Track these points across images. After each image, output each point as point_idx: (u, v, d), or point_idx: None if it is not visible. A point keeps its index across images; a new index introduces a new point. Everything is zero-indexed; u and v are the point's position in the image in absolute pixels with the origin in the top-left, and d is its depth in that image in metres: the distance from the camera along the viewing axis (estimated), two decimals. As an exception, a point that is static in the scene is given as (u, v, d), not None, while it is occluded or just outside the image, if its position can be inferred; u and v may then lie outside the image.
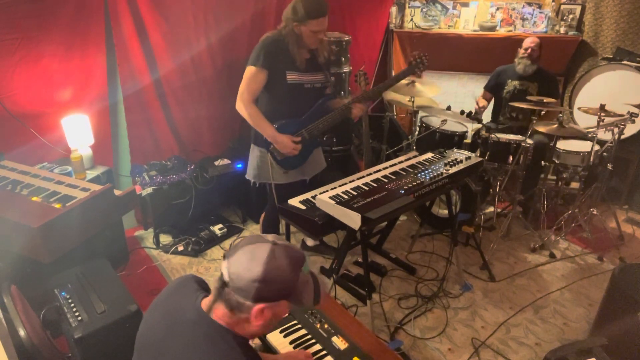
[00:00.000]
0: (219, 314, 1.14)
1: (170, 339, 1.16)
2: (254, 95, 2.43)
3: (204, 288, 1.29)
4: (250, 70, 2.40)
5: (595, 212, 3.42)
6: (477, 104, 3.89)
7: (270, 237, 1.17)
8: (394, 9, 4.49)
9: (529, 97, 3.32)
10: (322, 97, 2.59)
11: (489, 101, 3.91)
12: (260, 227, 2.99)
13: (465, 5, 4.46)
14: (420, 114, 3.98)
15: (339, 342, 1.57)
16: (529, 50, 3.53)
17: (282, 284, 1.12)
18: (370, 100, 2.77)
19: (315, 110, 2.55)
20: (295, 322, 1.69)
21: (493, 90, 3.84)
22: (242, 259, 1.10)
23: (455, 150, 2.83)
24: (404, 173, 2.47)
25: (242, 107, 2.44)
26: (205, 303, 1.17)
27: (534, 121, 3.17)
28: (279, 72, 2.41)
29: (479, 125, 3.42)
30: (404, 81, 3.47)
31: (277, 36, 2.40)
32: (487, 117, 3.95)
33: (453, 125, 3.50)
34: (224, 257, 1.15)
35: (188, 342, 1.12)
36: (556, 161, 3.46)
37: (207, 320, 1.14)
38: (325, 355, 1.55)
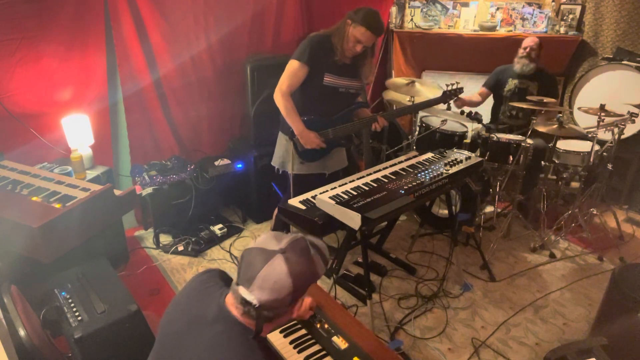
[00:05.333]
0: (239, 315, 1.17)
1: (191, 333, 1.18)
2: (292, 88, 2.50)
3: (228, 283, 1.32)
4: (293, 64, 2.46)
5: (595, 212, 3.42)
6: (468, 96, 3.84)
7: (270, 244, 1.16)
8: (394, 9, 4.48)
9: (529, 97, 3.32)
10: (354, 103, 2.66)
11: (484, 98, 3.90)
12: (273, 219, 3.00)
13: (465, 5, 4.46)
14: (420, 114, 3.98)
15: (339, 342, 1.57)
16: (528, 50, 3.53)
17: (308, 276, 1.18)
18: (396, 117, 2.83)
19: (345, 113, 2.62)
20: (295, 322, 1.69)
21: (493, 88, 3.84)
22: (267, 284, 1.11)
23: (455, 150, 2.83)
24: (404, 173, 2.47)
25: (280, 97, 2.49)
26: (228, 303, 1.19)
27: (534, 121, 3.17)
28: (318, 72, 2.47)
29: (479, 125, 3.42)
30: (403, 81, 3.48)
31: (324, 36, 2.47)
32: (487, 117, 3.95)
33: (453, 125, 3.50)
34: (237, 283, 1.15)
35: (210, 338, 1.15)
36: (556, 161, 3.45)
37: (230, 319, 1.17)
38: (325, 355, 1.55)
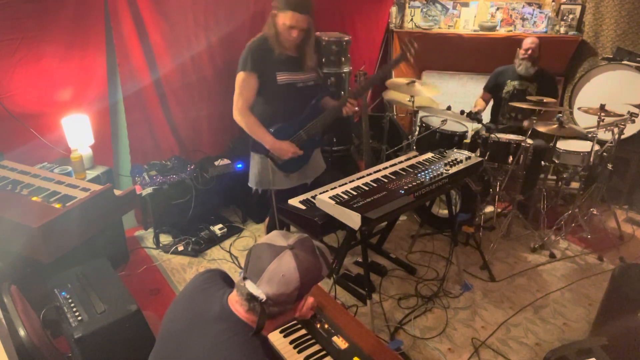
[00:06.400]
0: (243, 312, 1.17)
1: (193, 332, 1.18)
2: (248, 102, 2.40)
3: (229, 283, 1.33)
4: (240, 76, 2.37)
5: (595, 212, 3.42)
6: (475, 106, 3.89)
7: (279, 241, 1.18)
8: (394, 9, 4.49)
9: (528, 97, 3.32)
10: (316, 96, 2.56)
11: (487, 102, 3.91)
12: (265, 231, 2.98)
13: (465, 5, 4.47)
14: (420, 114, 3.98)
15: (339, 342, 1.57)
16: (530, 52, 3.53)
17: (314, 274, 1.19)
18: (363, 94, 2.69)
19: (310, 109, 2.52)
20: (295, 322, 1.69)
21: (492, 90, 3.85)
22: (275, 278, 1.12)
23: (455, 150, 2.82)
24: (404, 173, 2.47)
25: (239, 116, 2.40)
26: (231, 301, 1.19)
27: (534, 121, 3.17)
28: (269, 74, 2.37)
29: (479, 125, 3.42)
30: (403, 80, 3.48)
31: (262, 38, 2.38)
32: (487, 117, 3.95)
33: (453, 125, 3.50)
34: (245, 278, 1.16)
35: (212, 337, 1.15)
36: (556, 161, 3.46)
37: (232, 318, 1.17)
38: (325, 355, 1.55)
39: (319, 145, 2.75)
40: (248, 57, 2.34)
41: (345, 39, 3.63)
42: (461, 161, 2.57)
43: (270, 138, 2.41)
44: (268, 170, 2.53)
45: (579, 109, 3.36)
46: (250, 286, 1.13)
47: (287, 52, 2.38)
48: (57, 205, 2.04)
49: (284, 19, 2.25)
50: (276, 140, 2.41)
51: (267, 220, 2.93)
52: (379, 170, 2.53)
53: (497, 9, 4.40)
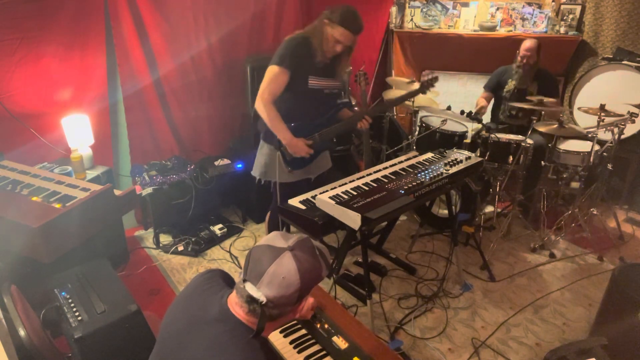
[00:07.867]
0: (243, 314, 1.17)
1: (193, 333, 1.18)
2: (274, 95, 2.39)
3: (229, 284, 1.32)
4: (273, 70, 2.36)
5: (595, 212, 3.42)
6: (477, 105, 3.88)
7: (278, 242, 1.18)
8: (394, 9, 4.49)
9: (528, 97, 3.32)
10: (337, 104, 2.61)
11: (488, 101, 3.91)
12: (266, 225, 2.99)
13: (465, 5, 4.46)
14: (420, 113, 3.98)
15: (339, 342, 1.57)
16: (525, 60, 3.50)
17: (314, 275, 1.18)
18: (379, 113, 2.78)
19: (329, 116, 2.56)
20: (295, 322, 1.69)
21: (493, 89, 3.84)
22: (275, 280, 1.12)
23: (455, 150, 2.82)
24: (404, 173, 2.47)
25: (262, 106, 2.40)
26: (231, 303, 1.19)
27: (534, 121, 3.17)
28: (302, 75, 2.39)
29: (479, 125, 3.42)
30: (403, 80, 3.48)
31: (303, 37, 2.38)
32: (487, 116, 3.95)
33: (453, 125, 3.50)
34: (244, 280, 1.15)
35: (211, 338, 1.14)
36: (556, 161, 3.46)
37: (232, 319, 1.17)
38: (325, 355, 1.55)
39: (328, 148, 2.77)
40: (287, 54, 2.34)
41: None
42: (461, 161, 2.57)
43: (289, 134, 2.41)
44: (275, 163, 2.55)
45: (579, 109, 3.36)
46: (250, 289, 1.13)
47: (324, 59, 2.40)
48: (57, 205, 2.04)
49: (335, 32, 2.29)
50: (294, 137, 2.42)
51: (268, 215, 2.94)
52: (379, 170, 2.53)
53: (497, 9, 4.39)
